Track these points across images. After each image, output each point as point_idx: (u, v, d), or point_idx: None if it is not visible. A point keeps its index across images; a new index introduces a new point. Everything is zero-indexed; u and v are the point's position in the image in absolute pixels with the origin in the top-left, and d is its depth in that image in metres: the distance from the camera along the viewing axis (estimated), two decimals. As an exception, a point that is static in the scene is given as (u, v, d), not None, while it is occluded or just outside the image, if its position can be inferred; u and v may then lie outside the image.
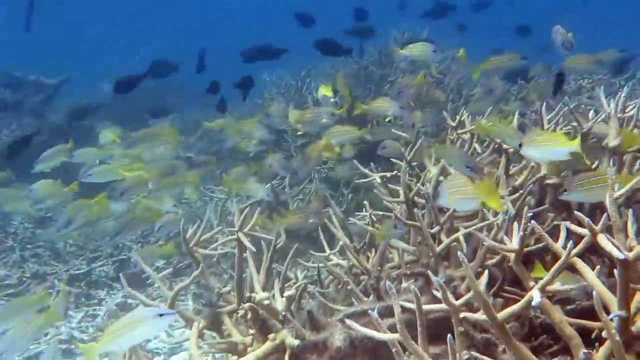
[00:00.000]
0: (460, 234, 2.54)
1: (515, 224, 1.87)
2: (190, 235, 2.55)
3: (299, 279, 3.39)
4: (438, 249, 2.54)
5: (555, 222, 2.77)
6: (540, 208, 2.77)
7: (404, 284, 2.52)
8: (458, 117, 3.10)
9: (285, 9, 7.58)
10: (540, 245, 2.34)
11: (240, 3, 22.43)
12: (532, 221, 1.79)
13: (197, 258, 2.53)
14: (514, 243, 1.82)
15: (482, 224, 2.54)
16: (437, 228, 2.63)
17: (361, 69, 5.93)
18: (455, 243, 2.55)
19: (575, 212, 1.70)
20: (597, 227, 1.65)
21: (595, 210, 2.87)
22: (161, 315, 1.99)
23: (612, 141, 2.83)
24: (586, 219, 1.65)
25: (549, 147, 2.33)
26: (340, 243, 3.10)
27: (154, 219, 3.87)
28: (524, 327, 2.36)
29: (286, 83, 6.45)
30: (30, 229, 5.13)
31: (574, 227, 1.73)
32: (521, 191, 2.72)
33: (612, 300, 1.68)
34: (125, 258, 4.77)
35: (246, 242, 2.49)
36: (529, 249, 2.35)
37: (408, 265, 2.65)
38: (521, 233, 1.77)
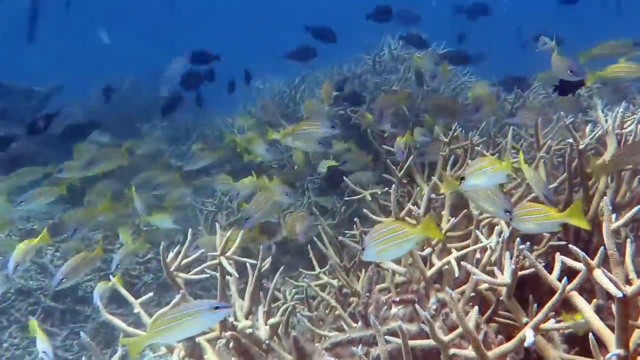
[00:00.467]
0: (452, 257, 2.44)
1: (507, 254, 1.77)
2: (171, 260, 2.44)
3: (288, 299, 3.30)
4: (429, 273, 2.44)
5: (550, 243, 2.69)
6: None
7: (393, 310, 2.41)
8: (451, 132, 3.00)
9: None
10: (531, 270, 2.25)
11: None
12: (525, 250, 1.70)
13: (178, 283, 2.42)
14: (505, 276, 1.72)
15: (475, 247, 2.45)
16: (428, 250, 2.53)
17: (355, 77, 5.83)
18: (447, 266, 2.46)
19: (570, 245, 1.59)
20: (594, 262, 1.55)
21: (593, 229, 2.79)
22: (217, 307, 1.89)
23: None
24: (581, 253, 1.55)
25: (492, 171, 2.21)
26: (330, 262, 3.01)
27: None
28: (519, 353, 2.27)
29: (279, 90, 6.35)
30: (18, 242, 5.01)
31: (569, 262, 1.63)
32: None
33: (611, 338, 1.58)
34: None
35: (228, 266, 2.39)
36: (522, 272, 2.25)
37: (398, 290, 2.55)
38: (513, 266, 1.67)
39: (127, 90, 8.35)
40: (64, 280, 3.17)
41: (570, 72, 3.07)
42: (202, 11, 21.79)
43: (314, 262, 3.18)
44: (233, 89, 6.20)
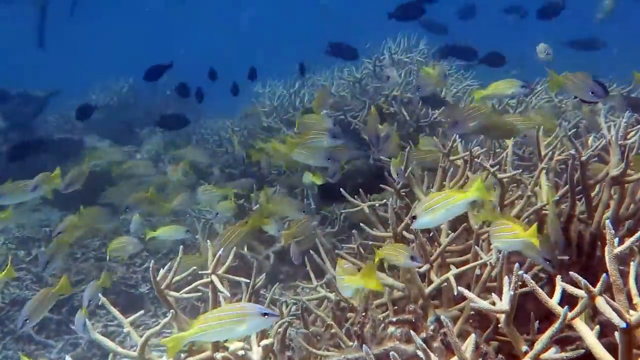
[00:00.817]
0: (450, 275, 2.37)
1: (506, 279, 1.70)
2: (162, 277, 2.37)
3: (284, 313, 3.24)
4: (427, 290, 2.38)
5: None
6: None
7: (390, 329, 2.35)
8: (450, 143, 2.93)
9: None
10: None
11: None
12: (525, 275, 1.63)
13: (169, 302, 2.35)
14: (504, 303, 1.65)
15: (474, 264, 2.38)
16: (426, 266, 2.47)
17: (356, 82, 5.75)
18: (445, 284, 2.40)
19: (571, 273, 1.52)
20: (595, 290, 1.48)
21: (596, 242, 2.72)
22: (265, 314, 1.86)
23: (614, 170, 2.67)
24: (583, 280, 1.48)
25: (444, 207, 2.11)
26: (328, 275, 2.95)
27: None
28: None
29: (279, 95, 6.27)
30: (13, 250, 4.96)
31: (570, 289, 1.56)
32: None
33: (614, 368, 1.52)
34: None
35: (220, 285, 2.32)
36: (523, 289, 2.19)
37: (395, 307, 2.49)
38: (511, 292, 1.60)
39: (126, 94, 8.31)
40: (27, 321, 3.03)
41: (592, 93, 2.98)
42: (207, 13, 21.70)
43: (311, 275, 3.12)
44: (237, 91, 6.11)
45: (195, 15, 21.44)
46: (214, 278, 2.33)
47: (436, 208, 2.06)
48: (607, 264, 1.52)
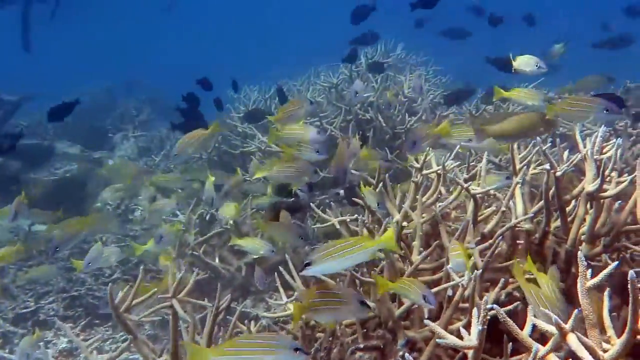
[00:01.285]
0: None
1: (475, 312, 1.61)
2: (121, 300, 2.27)
3: (252, 332, 3.15)
4: (397, 312, 2.30)
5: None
6: (511, 262, 2.52)
7: (358, 355, 2.26)
8: (423, 157, 2.85)
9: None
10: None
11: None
12: (496, 306, 1.55)
13: (128, 326, 2.25)
14: (472, 337, 1.57)
15: (445, 286, 2.30)
16: (397, 287, 2.38)
17: (332, 87, 5.67)
18: (416, 306, 2.31)
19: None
20: (567, 326, 1.40)
21: (571, 259, 2.66)
22: (297, 350, 1.75)
23: (590, 186, 2.60)
24: (554, 317, 1.40)
25: (345, 255, 2.00)
26: (297, 293, 2.85)
27: None
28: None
29: (254, 100, 6.18)
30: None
31: (540, 325, 1.48)
32: (490, 241, 2.50)
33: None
34: (76, 295, 4.48)
35: (180, 310, 2.23)
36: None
37: (365, 329, 2.40)
38: (479, 327, 1.52)
39: (101, 98, 8.18)
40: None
41: (606, 110, 2.81)
42: (189, 20, 21.62)
43: (281, 292, 3.02)
44: (221, 107, 5.97)
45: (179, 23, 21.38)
46: (175, 302, 2.23)
47: (337, 255, 1.95)
48: (580, 298, 1.45)
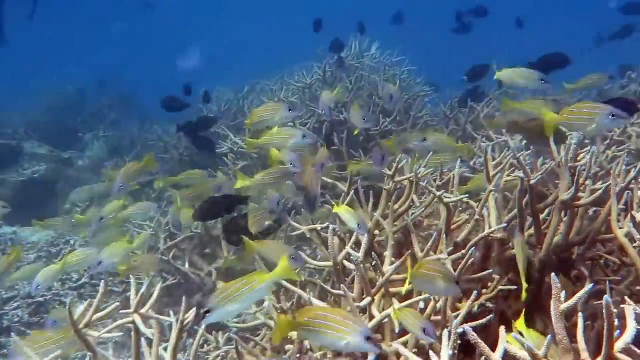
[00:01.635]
0: (391, 311, 2.23)
1: (445, 334, 1.55)
2: (80, 316, 2.18)
3: (220, 343, 3.08)
4: (369, 326, 2.23)
5: (500, 287, 2.50)
6: (485, 273, 2.47)
7: (328, 372, 2.20)
8: (395, 165, 2.78)
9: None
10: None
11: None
12: (468, 328, 1.48)
13: (88, 343, 2.16)
14: (442, 362, 1.50)
15: (417, 299, 2.24)
16: (367, 300, 2.32)
17: (305, 88, 5.60)
18: (386, 320, 2.25)
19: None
20: (540, 353, 1.34)
21: (545, 269, 2.61)
22: (369, 338, 1.69)
23: (564, 194, 2.56)
24: (526, 344, 1.34)
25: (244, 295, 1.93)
26: (265, 303, 2.78)
27: None
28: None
29: (227, 100, 6.10)
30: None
31: (513, 351, 1.42)
32: (464, 251, 2.44)
33: None
34: (42, 301, 4.37)
35: (142, 326, 2.14)
36: (473, 324, 2.05)
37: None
38: (450, 352, 1.46)
39: (72, 98, 8.03)
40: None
41: (613, 116, 2.68)
42: (164, 18, 21.41)
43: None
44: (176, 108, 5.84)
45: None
46: (137, 318, 2.15)
47: (235, 297, 1.88)
48: (554, 321, 1.40)
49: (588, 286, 1.40)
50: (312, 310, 1.82)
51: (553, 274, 1.41)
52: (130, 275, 2.45)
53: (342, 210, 2.56)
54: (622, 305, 1.62)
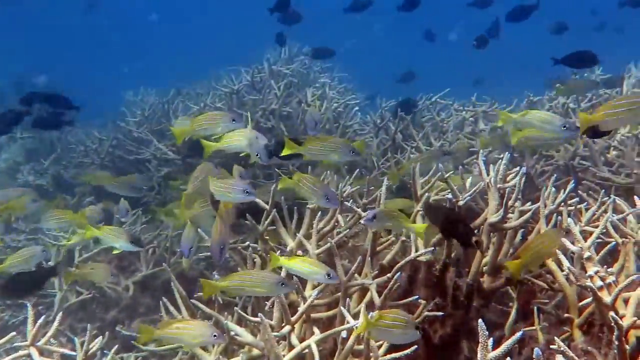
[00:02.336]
0: (312, 341, 2.11)
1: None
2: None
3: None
4: (286, 358, 2.11)
5: (427, 312, 2.40)
6: (410, 299, 2.37)
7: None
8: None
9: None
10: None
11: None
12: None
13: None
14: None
15: (339, 329, 2.12)
16: (286, 328, 2.20)
17: (233, 93, 5.43)
18: (306, 350, 2.13)
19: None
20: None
21: (472, 293, 2.54)
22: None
23: (492, 216, 2.48)
24: None
25: None
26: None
27: None
28: None
29: (151, 104, 5.87)
30: None
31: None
32: (389, 275, 2.33)
33: None
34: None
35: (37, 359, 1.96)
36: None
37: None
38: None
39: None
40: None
41: (564, 127, 2.55)
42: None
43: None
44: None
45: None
46: (33, 352, 1.97)
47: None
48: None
49: (518, 333, 1.29)
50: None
51: (480, 320, 1.30)
52: (28, 304, 2.24)
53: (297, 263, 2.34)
54: (551, 346, 1.54)
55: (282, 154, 2.72)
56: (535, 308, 2.48)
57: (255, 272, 2.36)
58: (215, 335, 2.08)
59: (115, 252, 3.06)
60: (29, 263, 3.14)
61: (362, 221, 2.40)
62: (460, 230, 2.28)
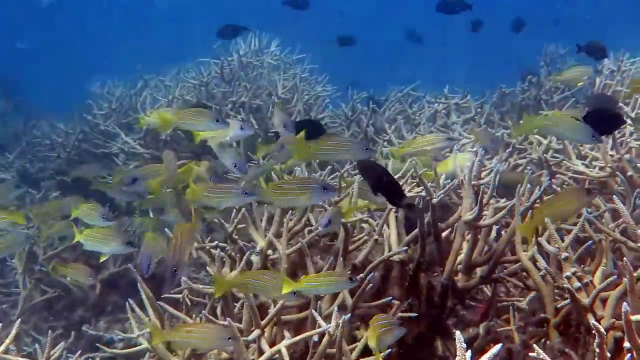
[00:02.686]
0: (282, 346, 2.04)
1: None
2: None
3: None
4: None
5: (401, 314, 2.35)
6: (384, 300, 2.31)
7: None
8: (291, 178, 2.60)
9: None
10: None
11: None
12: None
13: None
14: None
15: (311, 333, 2.06)
16: (256, 332, 2.13)
17: (202, 85, 5.32)
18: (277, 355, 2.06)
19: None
20: None
21: (447, 292, 2.49)
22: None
23: (467, 214, 2.43)
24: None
25: None
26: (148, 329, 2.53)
27: None
28: None
29: (119, 96, 5.74)
30: None
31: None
32: (362, 275, 2.27)
33: None
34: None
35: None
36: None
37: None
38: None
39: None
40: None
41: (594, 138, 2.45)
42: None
43: (132, 323, 2.66)
44: None
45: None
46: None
47: None
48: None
49: (497, 346, 1.24)
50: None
51: (457, 332, 1.24)
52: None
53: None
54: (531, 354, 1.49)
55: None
56: (510, 307, 2.44)
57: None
58: (229, 339, 2.00)
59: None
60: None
61: (320, 229, 2.33)
62: (391, 188, 2.23)
